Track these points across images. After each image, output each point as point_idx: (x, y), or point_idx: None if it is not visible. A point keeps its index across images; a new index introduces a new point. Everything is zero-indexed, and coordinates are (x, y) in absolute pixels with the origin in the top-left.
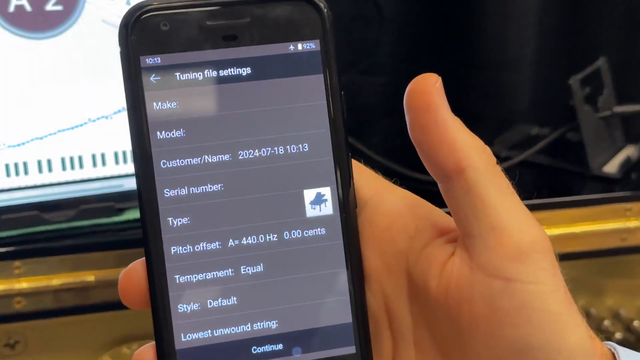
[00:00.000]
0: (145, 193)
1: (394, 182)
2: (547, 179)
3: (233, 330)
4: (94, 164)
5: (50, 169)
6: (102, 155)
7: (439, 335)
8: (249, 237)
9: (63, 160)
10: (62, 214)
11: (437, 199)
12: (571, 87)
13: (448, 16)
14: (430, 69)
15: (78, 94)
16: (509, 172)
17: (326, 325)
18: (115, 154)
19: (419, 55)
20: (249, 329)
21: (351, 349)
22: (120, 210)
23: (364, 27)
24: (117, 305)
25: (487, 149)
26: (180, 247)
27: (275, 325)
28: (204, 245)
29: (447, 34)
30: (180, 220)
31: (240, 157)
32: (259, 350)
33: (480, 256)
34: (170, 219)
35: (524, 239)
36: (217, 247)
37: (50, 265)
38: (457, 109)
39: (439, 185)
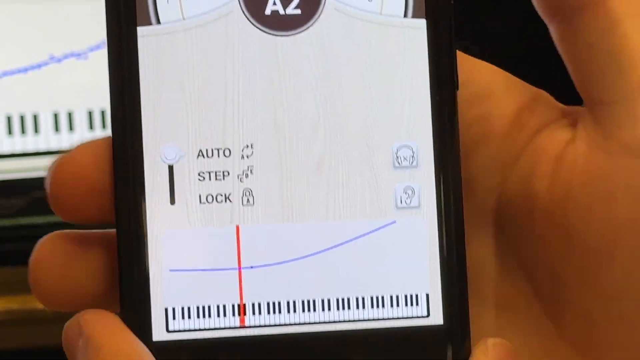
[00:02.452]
0: None
1: None
2: None
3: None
4: (56, 129)
5: None
6: (69, 115)
7: (549, 269)
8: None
9: (9, 119)
10: (4, 205)
11: None
12: None
13: None
14: None
15: None
16: None
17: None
18: (90, 114)
19: None
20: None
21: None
22: None
23: None
24: None
25: None
26: None
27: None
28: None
29: None
30: None
31: None
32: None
33: (623, 130)
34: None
35: None
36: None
37: None
38: None
39: (553, 27)
